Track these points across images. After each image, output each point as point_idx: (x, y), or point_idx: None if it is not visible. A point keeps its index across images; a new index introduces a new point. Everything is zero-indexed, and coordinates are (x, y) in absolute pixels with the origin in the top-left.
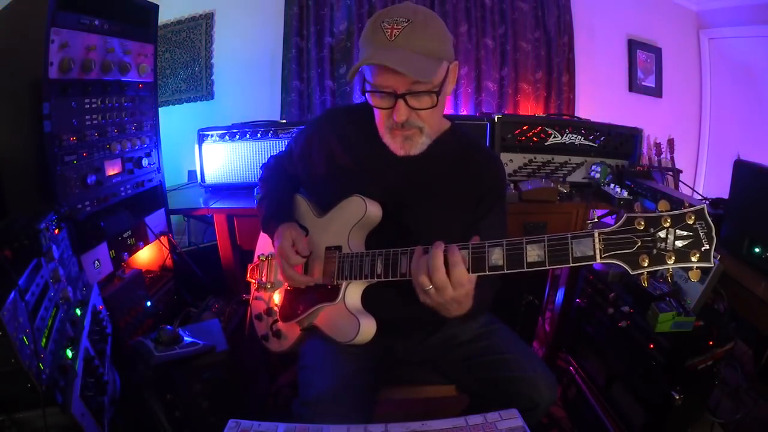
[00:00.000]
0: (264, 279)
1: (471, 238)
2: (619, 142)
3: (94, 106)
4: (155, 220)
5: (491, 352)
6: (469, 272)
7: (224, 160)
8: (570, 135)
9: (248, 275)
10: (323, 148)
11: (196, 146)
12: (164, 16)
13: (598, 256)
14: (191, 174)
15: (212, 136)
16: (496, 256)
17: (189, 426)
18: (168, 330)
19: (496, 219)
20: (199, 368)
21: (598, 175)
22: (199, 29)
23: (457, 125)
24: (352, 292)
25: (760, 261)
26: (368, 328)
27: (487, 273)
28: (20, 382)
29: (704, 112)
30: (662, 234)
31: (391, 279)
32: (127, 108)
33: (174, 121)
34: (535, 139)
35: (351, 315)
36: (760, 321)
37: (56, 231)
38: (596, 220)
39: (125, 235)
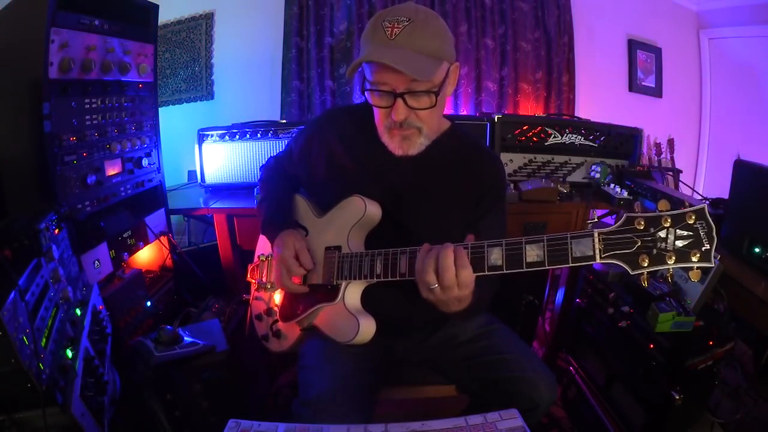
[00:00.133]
0: (264, 279)
1: (466, 238)
2: (619, 142)
3: (94, 106)
4: (155, 220)
5: (491, 352)
6: None
7: (224, 160)
8: (570, 135)
9: (248, 275)
10: (323, 148)
11: (196, 146)
12: (164, 16)
13: (597, 256)
14: (191, 174)
15: (212, 136)
16: (496, 256)
17: (189, 426)
18: (168, 330)
19: (496, 219)
20: (199, 368)
21: (598, 175)
22: (199, 29)
23: (457, 125)
24: (352, 292)
25: (760, 261)
26: (368, 328)
27: (487, 273)
28: (20, 382)
29: (704, 112)
30: (662, 234)
31: (390, 279)
32: (127, 108)
33: (174, 121)
34: (535, 139)
35: (350, 315)
36: (760, 321)
37: (56, 231)
38: (596, 220)
39: (125, 235)
